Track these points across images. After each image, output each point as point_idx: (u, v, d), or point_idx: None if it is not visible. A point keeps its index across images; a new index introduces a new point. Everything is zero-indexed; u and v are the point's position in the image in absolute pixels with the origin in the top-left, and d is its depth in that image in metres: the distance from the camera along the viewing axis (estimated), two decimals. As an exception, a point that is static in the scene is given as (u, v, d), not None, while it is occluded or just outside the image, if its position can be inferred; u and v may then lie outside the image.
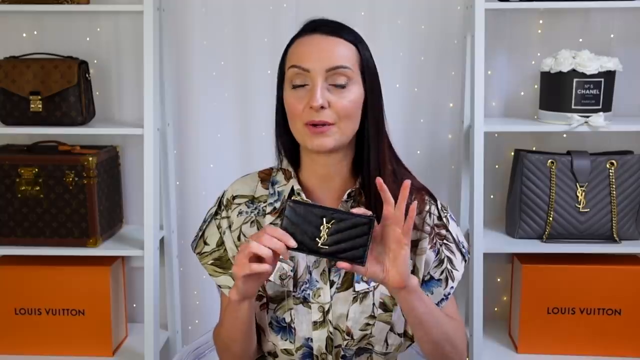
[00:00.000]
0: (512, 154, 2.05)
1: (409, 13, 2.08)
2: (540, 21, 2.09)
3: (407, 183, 1.07)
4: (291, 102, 1.18)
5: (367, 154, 1.21)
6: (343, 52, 1.17)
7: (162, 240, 2.13)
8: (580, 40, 2.07)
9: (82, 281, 2.01)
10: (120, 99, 2.18)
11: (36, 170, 1.96)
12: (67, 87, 1.94)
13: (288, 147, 1.27)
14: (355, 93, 1.18)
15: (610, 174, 1.92)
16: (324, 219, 1.05)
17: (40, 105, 1.94)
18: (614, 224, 1.92)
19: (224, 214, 1.30)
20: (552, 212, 1.93)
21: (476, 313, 1.92)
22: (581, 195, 1.92)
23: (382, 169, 1.21)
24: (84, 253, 1.98)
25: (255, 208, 1.28)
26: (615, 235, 1.92)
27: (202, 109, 2.16)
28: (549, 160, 1.93)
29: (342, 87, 1.16)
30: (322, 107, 1.14)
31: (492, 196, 2.16)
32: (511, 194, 2.01)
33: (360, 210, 1.08)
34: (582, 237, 1.94)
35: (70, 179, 1.95)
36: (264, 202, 1.28)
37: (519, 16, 2.08)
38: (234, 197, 1.30)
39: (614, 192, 1.91)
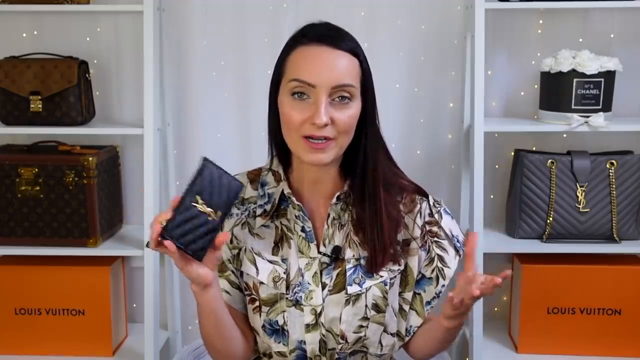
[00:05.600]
0: (512, 154, 2.05)
1: (409, 13, 2.08)
2: (540, 21, 2.08)
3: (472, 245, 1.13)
4: (289, 112, 1.15)
5: (362, 160, 1.21)
6: (348, 69, 1.16)
7: (162, 240, 2.13)
8: (580, 40, 2.07)
9: (82, 281, 2.01)
10: (120, 99, 2.18)
11: (36, 170, 1.96)
12: (67, 87, 1.94)
13: (279, 148, 1.25)
14: (355, 108, 1.17)
15: (610, 174, 1.92)
16: (193, 203, 1.04)
17: (40, 105, 1.94)
18: (614, 224, 1.92)
19: None
20: (552, 212, 1.93)
21: (476, 313, 1.92)
22: (581, 195, 1.92)
23: (375, 175, 1.22)
24: (84, 253, 1.98)
25: (246, 209, 1.28)
26: (615, 235, 1.92)
27: (202, 109, 2.16)
28: (549, 160, 1.93)
29: (345, 103, 1.15)
30: (325, 125, 1.13)
31: (492, 196, 2.16)
32: (511, 194, 2.01)
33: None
34: (582, 237, 1.94)
35: (70, 179, 1.95)
36: (254, 204, 1.28)
37: (519, 16, 2.08)
38: None
39: (614, 192, 1.91)
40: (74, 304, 2.03)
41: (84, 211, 1.96)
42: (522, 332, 1.99)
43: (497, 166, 2.16)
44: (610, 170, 1.91)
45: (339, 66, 1.14)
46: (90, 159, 1.95)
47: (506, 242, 1.99)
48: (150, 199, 1.94)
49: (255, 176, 1.31)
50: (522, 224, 1.97)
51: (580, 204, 1.92)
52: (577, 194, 1.92)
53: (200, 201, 1.05)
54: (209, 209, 1.05)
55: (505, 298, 2.21)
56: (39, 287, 2.02)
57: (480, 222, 1.90)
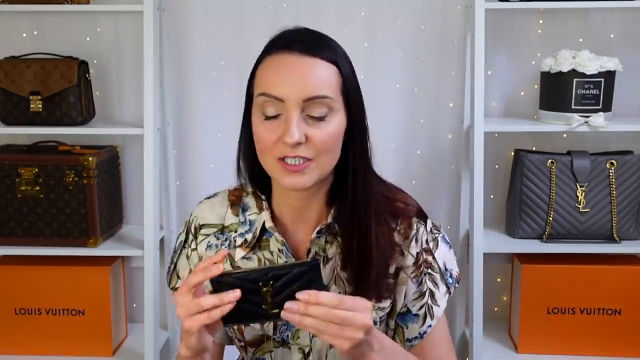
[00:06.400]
0: (512, 154, 2.05)
1: (409, 13, 2.08)
2: (540, 21, 2.08)
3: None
4: (261, 133, 1.02)
5: (351, 184, 1.06)
6: (322, 77, 1.00)
7: (162, 240, 2.13)
8: (580, 40, 2.07)
9: (82, 281, 2.01)
10: (120, 99, 2.18)
11: (36, 170, 1.96)
12: (67, 87, 1.94)
13: (256, 173, 1.11)
14: (336, 124, 1.02)
15: (610, 174, 1.92)
16: (260, 283, 0.93)
17: (40, 105, 1.94)
18: (614, 224, 1.92)
19: (192, 245, 1.19)
20: (552, 212, 1.93)
21: (476, 313, 1.92)
22: (581, 195, 1.92)
23: (367, 201, 1.07)
24: (84, 253, 1.98)
25: (226, 239, 1.16)
26: (615, 235, 1.92)
27: (202, 109, 2.16)
28: (549, 160, 1.93)
29: (322, 118, 1.00)
30: (298, 143, 0.99)
31: (492, 196, 2.16)
32: (511, 194, 2.01)
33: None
34: (582, 237, 1.94)
35: (70, 179, 1.95)
36: (235, 232, 1.16)
37: (519, 16, 2.08)
38: (200, 227, 1.19)
39: (614, 192, 1.91)
40: (74, 304, 2.03)
41: (84, 211, 1.96)
42: (522, 332, 1.99)
43: (497, 166, 2.16)
44: (610, 170, 1.92)
45: (311, 76, 1.00)
46: (90, 159, 1.95)
47: (506, 242, 1.99)
48: (150, 199, 1.94)
49: (236, 198, 1.18)
50: (522, 224, 1.97)
51: (580, 204, 1.92)
52: (577, 194, 1.92)
53: (269, 289, 0.93)
54: (270, 300, 0.93)
55: (505, 298, 2.21)
56: (39, 287, 2.02)
57: (480, 222, 1.90)
